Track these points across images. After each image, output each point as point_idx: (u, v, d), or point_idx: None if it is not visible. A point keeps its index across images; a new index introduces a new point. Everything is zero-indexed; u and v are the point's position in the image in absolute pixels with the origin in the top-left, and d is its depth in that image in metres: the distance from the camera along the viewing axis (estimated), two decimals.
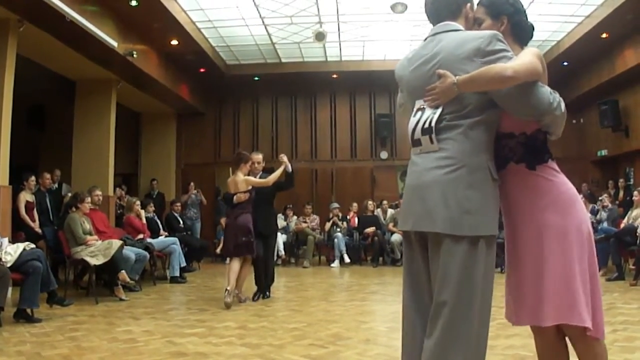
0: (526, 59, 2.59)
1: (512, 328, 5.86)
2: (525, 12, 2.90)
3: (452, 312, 2.54)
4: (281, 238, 13.73)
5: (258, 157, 8.44)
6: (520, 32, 2.86)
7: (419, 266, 2.80)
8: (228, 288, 7.58)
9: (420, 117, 2.71)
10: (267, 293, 8.48)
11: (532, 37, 2.91)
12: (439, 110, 2.64)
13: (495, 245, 2.65)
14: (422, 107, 2.72)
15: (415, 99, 2.78)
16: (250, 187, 8.01)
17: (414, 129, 2.75)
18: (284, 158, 8.35)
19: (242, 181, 7.97)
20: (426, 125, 2.67)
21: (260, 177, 8.27)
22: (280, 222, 14.17)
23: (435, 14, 2.81)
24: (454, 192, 2.55)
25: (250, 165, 8.22)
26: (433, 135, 2.63)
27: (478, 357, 2.58)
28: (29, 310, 6.52)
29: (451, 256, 2.56)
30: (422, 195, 2.64)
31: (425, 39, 2.81)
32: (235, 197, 7.93)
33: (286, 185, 8.62)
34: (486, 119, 2.63)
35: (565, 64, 13.94)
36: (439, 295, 2.59)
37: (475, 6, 2.87)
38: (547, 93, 2.61)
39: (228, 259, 8.53)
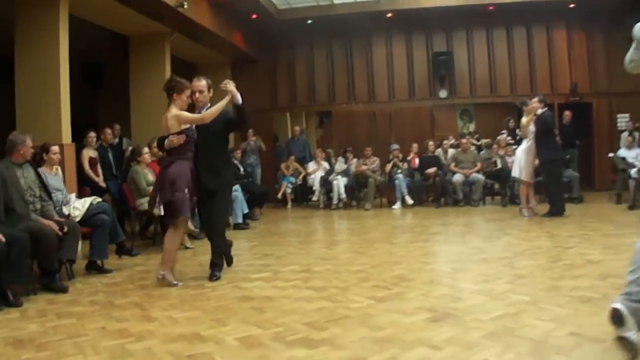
0: None
1: (578, 269, 5.84)
2: None
3: None
4: (342, 181, 13.79)
5: (199, 83, 6.20)
6: None
7: None
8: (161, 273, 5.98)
9: None
10: (216, 274, 6.22)
11: None
12: None
13: None
14: None
15: None
16: (186, 127, 5.96)
17: None
18: (230, 85, 6.04)
19: (172, 118, 5.91)
20: None
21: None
22: (341, 164, 14.21)
23: None
24: None
25: (190, 96, 6.12)
26: None
27: None
28: (99, 262, 6.80)
29: None
30: None
31: None
32: (166, 142, 5.96)
33: (237, 123, 6.41)
34: None
35: None
36: None
37: None
38: None
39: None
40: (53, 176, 6.95)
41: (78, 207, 6.74)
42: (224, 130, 6.28)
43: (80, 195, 7.65)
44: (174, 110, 5.92)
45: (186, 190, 5.88)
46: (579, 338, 3.69)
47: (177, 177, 5.83)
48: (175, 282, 5.91)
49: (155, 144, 9.36)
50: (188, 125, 5.97)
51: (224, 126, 6.17)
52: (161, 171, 6.09)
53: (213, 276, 6.15)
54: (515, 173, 10.72)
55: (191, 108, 6.20)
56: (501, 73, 16.18)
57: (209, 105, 6.19)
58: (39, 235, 5.60)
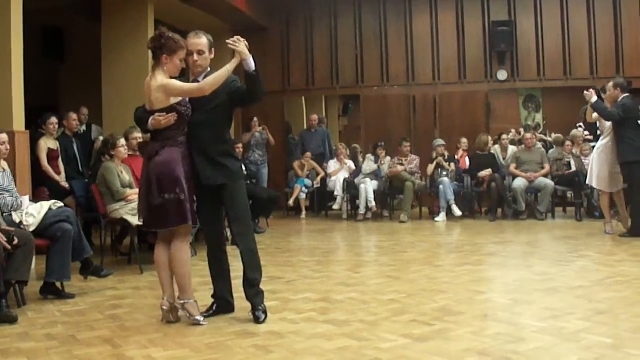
0: None
1: None
2: None
3: None
4: (371, 185, 13.78)
5: (199, 41, 5.71)
6: None
7: None
8: (164, 299, 5.57)
9: None
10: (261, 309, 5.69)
11: None
12: None
13: None
14: None
15: None
16: (177, 100, 5.45)
17: None
18: (240, 44, 5.48)
19: (158, 89, 5.39)
20: None
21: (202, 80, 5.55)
22: (370, 164, 14.16)
23: None
24: None
25: (185, 59, 5.63)
26: None
27: None
28: (58, 284, 6.75)
29: None
30: None
31: None
32: (150, 121, 5.44)
33: (249, 95, 5.70)
34: None
35: None
36: None
37: None
38: None
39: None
40: (0, 173, 6.89)
41: (33, 213, 6.70)
42: (228, 106, 5.74)
43: (36, 198, 7.67)
44: (160, 78, 5.39)
45: (179, 189, 5.32)
46: None
47: (166, 171, 5.33)
48: (199, 317, 5.50)
49: (134, 135, 9.37)
50: (179, 99, 5.45)
51: (228, 100, 5.64)
52: (145, 164, 5.55)
53: (258, 314, 5.63)
54: (588, 179, 10.55)
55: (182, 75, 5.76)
56: (578, 49, 16.05)
57: (209, 70, 5.66)
58: None
